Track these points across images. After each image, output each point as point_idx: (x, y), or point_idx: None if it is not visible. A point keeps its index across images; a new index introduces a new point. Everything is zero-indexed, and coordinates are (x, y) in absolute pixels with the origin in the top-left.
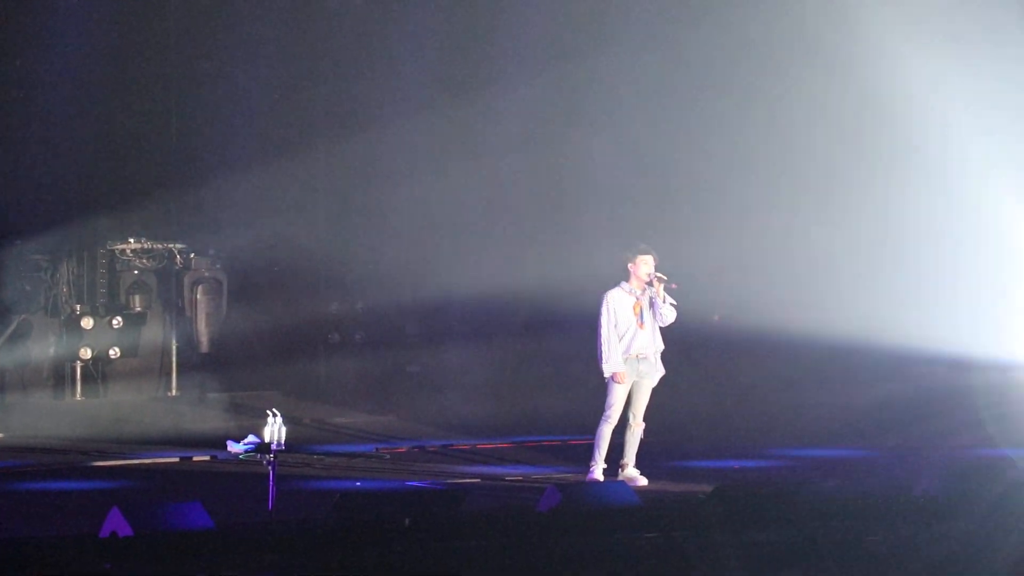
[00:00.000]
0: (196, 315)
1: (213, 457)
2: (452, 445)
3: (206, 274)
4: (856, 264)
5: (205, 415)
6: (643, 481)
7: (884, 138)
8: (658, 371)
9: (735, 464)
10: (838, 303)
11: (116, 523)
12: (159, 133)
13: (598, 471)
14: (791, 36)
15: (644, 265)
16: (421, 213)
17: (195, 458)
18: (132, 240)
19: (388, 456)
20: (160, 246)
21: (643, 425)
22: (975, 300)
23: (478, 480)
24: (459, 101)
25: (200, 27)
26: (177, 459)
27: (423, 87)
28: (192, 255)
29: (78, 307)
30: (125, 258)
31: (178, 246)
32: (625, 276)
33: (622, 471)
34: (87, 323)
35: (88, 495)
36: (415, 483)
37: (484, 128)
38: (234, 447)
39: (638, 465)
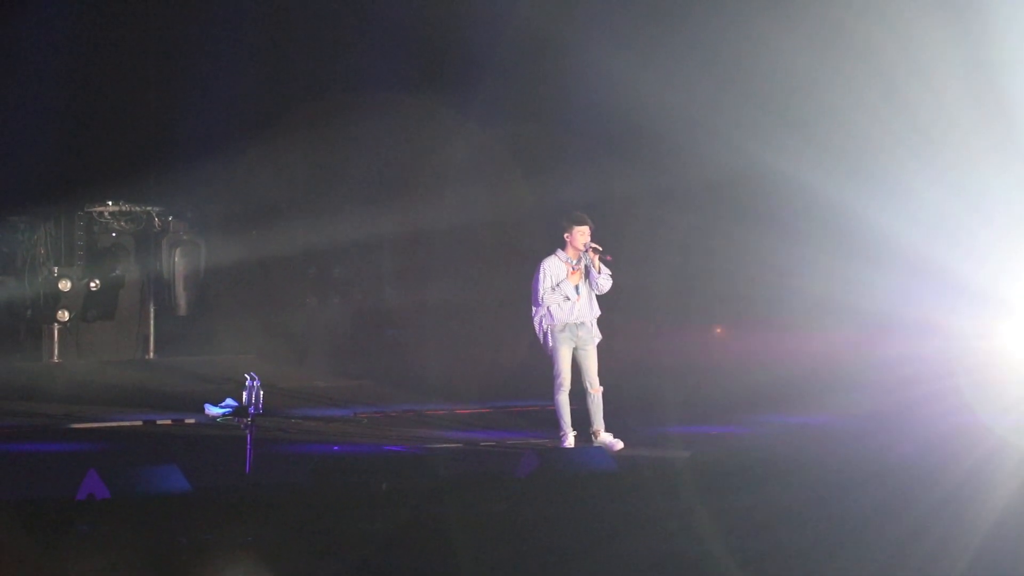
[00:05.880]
0: (174, 278)
1: (191, 420)
2: (430, 410)
3: (184, 237)
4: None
5: (182, 378)
6: (619, 445)
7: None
8: (596, 336)
9: (712, 430)
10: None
11: (93, 486)
12: (138, 97)
13: (569, 439)
14: None
15: (580, 235)
16: (398, 179)
17: (172, 421)
18: (110, 203)
19: (366, 420)
20: (138, 209)
21: (600, 389)
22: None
23: (456, 445)
24: (435, 77)
25: None
26: (154, 422)
27: (400, 60)
28: (170, 218)
29: (55, 269)
30: (103, 221)
31: (156, 209)
32: (561, 244)
33: (596, 438)
34: (64, 285)
35: (65, 457)
36: (393, 447)
37: (460, 100)
38: (212, 410)
39: (610, 429)
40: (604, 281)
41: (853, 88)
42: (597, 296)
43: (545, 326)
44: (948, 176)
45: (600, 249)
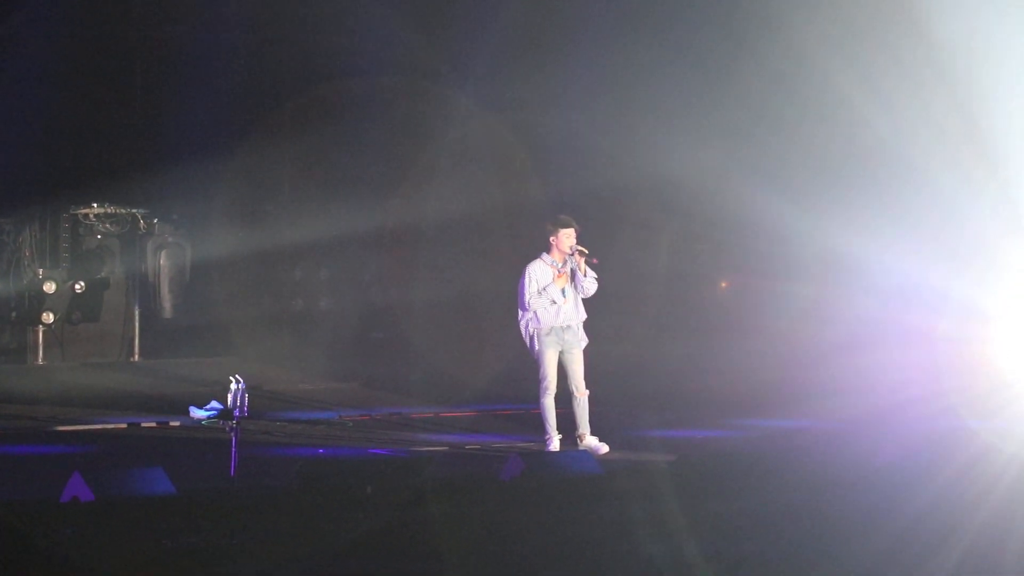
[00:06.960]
0: (159, 280)
1: (175, 423)
2: (415, 413)
3: (169, 239)
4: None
5: (167, 381)
6: (605, 448)
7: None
8: (582, 340)
9: (697, 434)
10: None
11: (77, 488)
12: (123, 98)
13: (555, 442)
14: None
15: (567, 238)
16: (383, 181)
17: (157, 424)
18: (95, 205)
19: (351, 423)
20: (123, 211)
21: (587, 393)
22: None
23: (441, 448)
24: (425, 69)
25: None
26: (139, 424)
27: (391, 54)
28: (155, 220)
29: (40, 271)
30: (88, 223)
31: (141, 211)
32: (546, 247)
33: (581, 441)
34: (49, 287)
35: (49, 460)
36: (377, 451)
37: (453, 94)
38: (196, 413)
39: (596, 433)
40: (589, 284)
41: (841, 95)
42: (583, 299)
43: (531, 329)
44: (931, 184)
45: (586, 252)
